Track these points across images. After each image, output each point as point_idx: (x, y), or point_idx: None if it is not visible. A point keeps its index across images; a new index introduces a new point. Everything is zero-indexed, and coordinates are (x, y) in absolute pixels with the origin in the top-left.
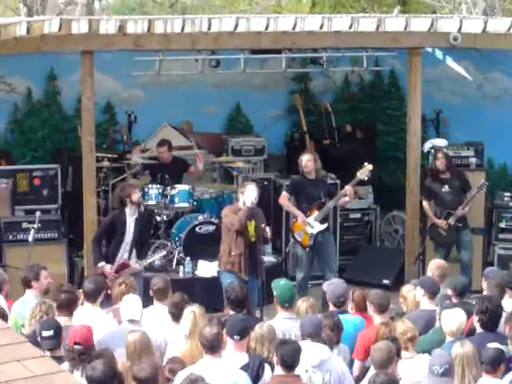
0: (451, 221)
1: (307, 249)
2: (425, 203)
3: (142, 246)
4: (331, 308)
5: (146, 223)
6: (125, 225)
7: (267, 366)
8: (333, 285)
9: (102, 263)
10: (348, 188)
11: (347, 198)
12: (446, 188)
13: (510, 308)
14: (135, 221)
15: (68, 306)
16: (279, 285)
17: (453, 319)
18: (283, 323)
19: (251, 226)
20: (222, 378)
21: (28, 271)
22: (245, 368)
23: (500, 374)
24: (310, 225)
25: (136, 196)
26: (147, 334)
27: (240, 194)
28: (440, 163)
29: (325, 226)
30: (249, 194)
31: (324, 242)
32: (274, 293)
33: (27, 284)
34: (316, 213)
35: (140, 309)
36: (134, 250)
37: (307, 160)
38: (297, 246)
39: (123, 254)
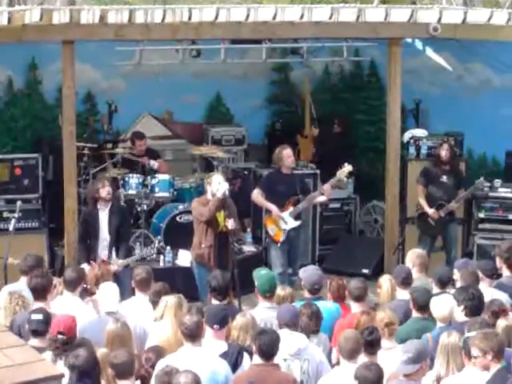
0: (442, 213)
1: (279, 244)
2: (420, 188)
3: (120, 243)
4: (306, 295)
5: (122, 218)
6: (97, 221)
7: (246, 355)
8: (307, 271)
9: (84, 265)
10: (326, 187)
11: (324, 198)
12: (443, 179)
13: (489, 296)
14: (109, 216)
15: (41, 291)
16: (260, 274)
17: (444, 305)
18: (264, 313)
19: (220, 217)
20: (202, 365)
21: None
22: (224, 356)
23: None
24: (284, 220)
25: (104, 192)
26: (127, 324)
27: (207, 186)
28: (444, 154)
29: (298, 222)
30: (217, 185)
31: (295, 236)
32: (256, 283)
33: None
34: (291, 208)
35: (117, 299)
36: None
37: (290, 154)
38: (270, 243)
39: (101, 250)
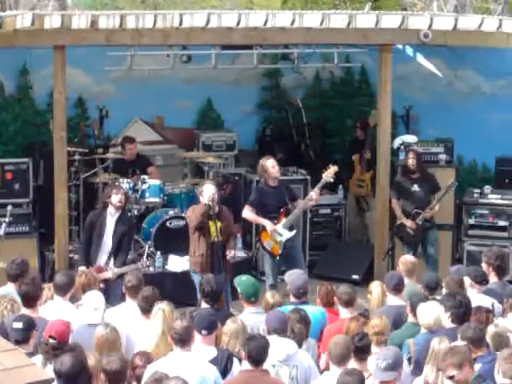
0: (419, 221)
1: (277, 257)
2: (393, 201)
3: (119, 252)
4: (292, 299)
5: (128, 229)
6: (104, 225)
7: (235, 360)
8: (293, 276)
9: (82, 268)
10: (315, 192)
11: (313, 202)
12: (415, 187)
13: (478, 303)
14: (116, 223)
15: (28, 298)
16: (242, 281)
17: (429, 312)
18: (251, 318)
19: (213, 227)
20: (192, 371)
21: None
22: (213, 361)
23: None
24: (279, 233)
25: (116, 198)
26: (117, 329)
27: (200, 195)
28: (411, 162)
29: (293, 232)
30: (206, 193)
31: (292, 246)
32: (238, 289)
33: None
34: (284, 220)
35: (101, 309)
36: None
37: (276, 165)
38: (265, 254)
39: (101, 256)
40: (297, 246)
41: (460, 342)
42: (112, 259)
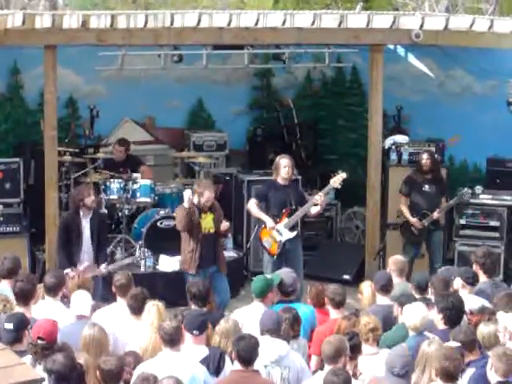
0: (425, 222)
1: (275, 257)
2: (403, 199)
3: (100, 249)
4: (281, 297)
5: (102, 224)
6: (80, 227)
7: (227, 358)
8: (282, 274)
9: (67, 270)
10: (320, 196)
11: (318, 208)
12: (426, 188)
13: (469, 303)
14: (90, 221)
15: (23, 296)
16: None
17: (415, 314)
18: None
19: (207, 218)
20: (181, 371)
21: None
22: (206, 360)
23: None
24: (279, 232)
25: (89, 200)
26: (104, 328)
27: (195, 194)
28: (425, 163)
29: (294, 233)
30: (185, 196)
31: (292, 249)
32: (273, 285)
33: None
34: (285, 220)
35: (89, 304)
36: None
37: (288, 166)
38: (264, 252)
39: (83, 255)
40: (297, 247)
41: (453, 343)
42: (94, 257)
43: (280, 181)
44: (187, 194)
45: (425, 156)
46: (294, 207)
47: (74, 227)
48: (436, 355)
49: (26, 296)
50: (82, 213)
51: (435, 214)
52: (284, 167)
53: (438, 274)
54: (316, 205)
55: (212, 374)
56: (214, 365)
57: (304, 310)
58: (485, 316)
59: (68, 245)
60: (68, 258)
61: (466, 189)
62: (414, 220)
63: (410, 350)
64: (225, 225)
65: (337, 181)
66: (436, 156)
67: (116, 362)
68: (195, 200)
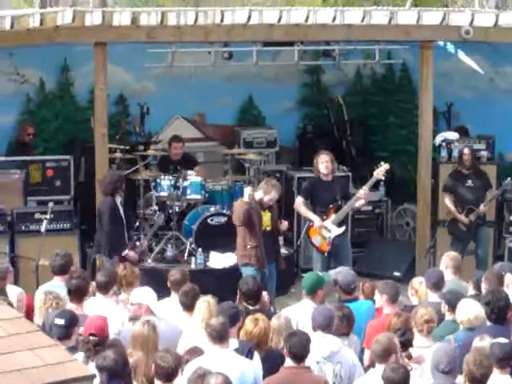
0: (472, 217)
1: (325, 254)
2: (447, 197)
3: (130, 228)
4: (342, 296)
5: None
6: (118, 210)
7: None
8: (342, 273)
9: (126, 251)
10: (364, 190)
11: (363, 201)
12: (469, 183)
13: None
14: (122, 205)
15: (78, 293)
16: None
17: (469, 309)
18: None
19: (265, 217)
20: (231, 367)
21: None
22: None
23: (509, 369)
24: (327, 229)
25: (123, 184)
26: (156, 327)
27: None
28: (465, 159)
29: (342, 229)
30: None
31: (340, 244)
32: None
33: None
34: (333, 216)
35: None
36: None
37: (325, 161)
38: (313, 249)
39: (126, 235)
40: (346, 242)
41: (502, 339)
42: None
43: (322, 177)
44: (247, 190)
45: (466, 151)
46: (339, 203)
47: (117, 211)
48: (467, 358)
49: (80, 293)
50: (117, 198)
51: (481, 208)
52: (322, 163)
53: (492, 270)
54: (360, 198)
55: None
56: None
57: (365, 306)
58: None
59: (117, 229)
60: (125, 239)
61: (509, 179)
62: (461, 217)
63: (458, 343)
64: (284, 224)
65: (380, 172)
66: (474, 151)
67: (173, 359)
68: (257, 196)
